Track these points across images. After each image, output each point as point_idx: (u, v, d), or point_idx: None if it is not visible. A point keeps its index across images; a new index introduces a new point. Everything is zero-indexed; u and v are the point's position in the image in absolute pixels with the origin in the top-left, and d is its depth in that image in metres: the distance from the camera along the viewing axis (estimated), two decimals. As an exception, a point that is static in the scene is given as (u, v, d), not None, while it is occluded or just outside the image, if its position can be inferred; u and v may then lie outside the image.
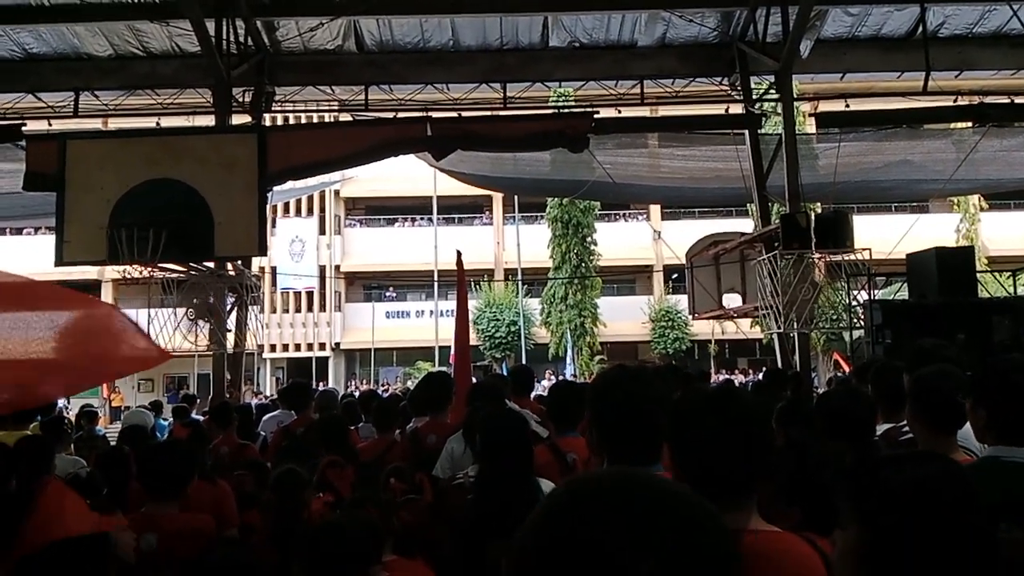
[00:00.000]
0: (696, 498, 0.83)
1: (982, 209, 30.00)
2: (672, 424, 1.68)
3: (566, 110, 14.11)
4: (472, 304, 29.21)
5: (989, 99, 11.77)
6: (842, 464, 2.04)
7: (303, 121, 19.66)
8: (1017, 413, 2.12)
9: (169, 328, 9.74)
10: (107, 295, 30.70)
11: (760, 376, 18.76)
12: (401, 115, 11.85)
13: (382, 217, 34.53)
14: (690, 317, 16.35)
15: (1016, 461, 2.06)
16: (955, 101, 12.11)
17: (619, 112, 12.54)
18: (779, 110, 11.87)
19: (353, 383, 29.41)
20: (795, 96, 12.17)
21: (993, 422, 2.17)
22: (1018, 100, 11.78)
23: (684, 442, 1.65)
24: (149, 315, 9.56)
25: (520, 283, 30.03)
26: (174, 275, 9.70)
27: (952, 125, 13.05)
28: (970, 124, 12.26)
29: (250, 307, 10.58)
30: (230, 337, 10.12)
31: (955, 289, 9.05)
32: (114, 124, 15.13)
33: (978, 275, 10.42)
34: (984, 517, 1.20)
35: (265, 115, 12.24)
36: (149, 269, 8.95)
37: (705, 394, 1.72)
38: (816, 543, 1.58)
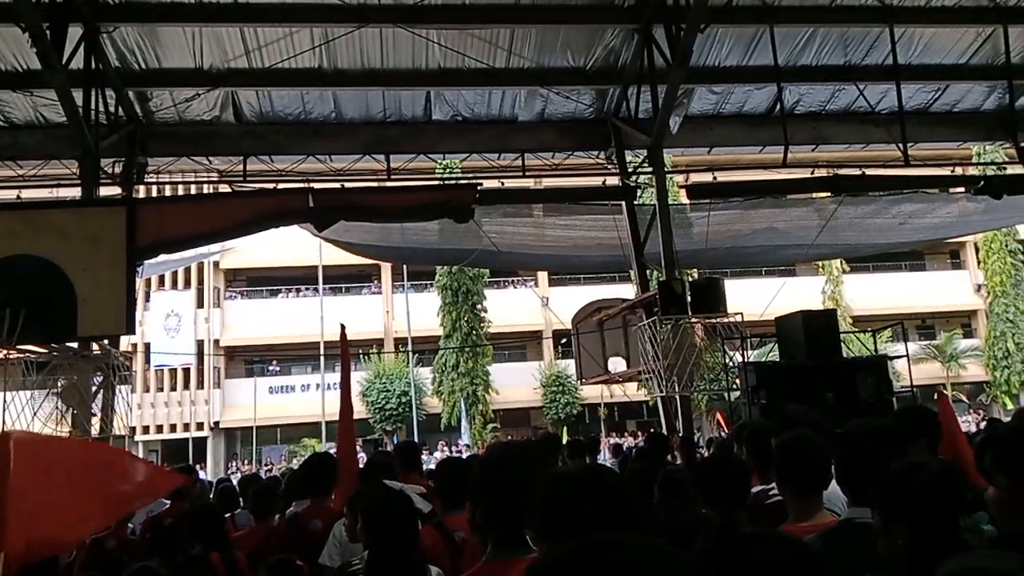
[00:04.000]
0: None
1: (844, 272, 32.07)
2: (540, 504, 1.63)
3: (452, 181, 14.28)
4: (362, 375, 28.59)
5: (843, 171, 12.70)
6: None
7: (180, 192, 19.05)
8: (861, 475, 2.22)
9: (28, 413, 9.03)
10: (-41, 378, 28.39)
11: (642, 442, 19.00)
12: (282, 186, 11.68)
13: (264, 288, 33.54)
14: (580, 381, 16.54)
15: (866, 522, 2.14)
16: (812, 173, 13.00)
17: (503, 184, 12.81)
18: (653, 182, 12.43)
19: (234, 464, 27.99)
20: (667, 168, 12.78)
21: (846, 485, 2.28)
22: (869, 171, 12.76)
23: (550, 522, 1.60)
24: (5, 399, 8.85)
25: (411, 353, 29.66)
26: (34, 356, 9.05)
27: (813, 194, 13.98)
28: (829, 193, 13.16)
29: (119, 388, 9.95)
30: (95, 421, 9.46)
31: (821, 350, 9.50)
32: (-31, 196, 14.19)
33: (843, 335, 11.03)
34: None
35: (139, 187, 11.81)
36: (5, 352, 8.33)
37: (571, 474, 1.71)
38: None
